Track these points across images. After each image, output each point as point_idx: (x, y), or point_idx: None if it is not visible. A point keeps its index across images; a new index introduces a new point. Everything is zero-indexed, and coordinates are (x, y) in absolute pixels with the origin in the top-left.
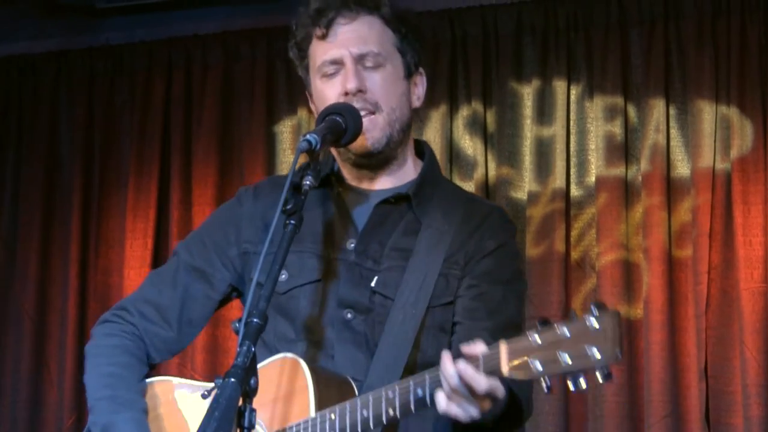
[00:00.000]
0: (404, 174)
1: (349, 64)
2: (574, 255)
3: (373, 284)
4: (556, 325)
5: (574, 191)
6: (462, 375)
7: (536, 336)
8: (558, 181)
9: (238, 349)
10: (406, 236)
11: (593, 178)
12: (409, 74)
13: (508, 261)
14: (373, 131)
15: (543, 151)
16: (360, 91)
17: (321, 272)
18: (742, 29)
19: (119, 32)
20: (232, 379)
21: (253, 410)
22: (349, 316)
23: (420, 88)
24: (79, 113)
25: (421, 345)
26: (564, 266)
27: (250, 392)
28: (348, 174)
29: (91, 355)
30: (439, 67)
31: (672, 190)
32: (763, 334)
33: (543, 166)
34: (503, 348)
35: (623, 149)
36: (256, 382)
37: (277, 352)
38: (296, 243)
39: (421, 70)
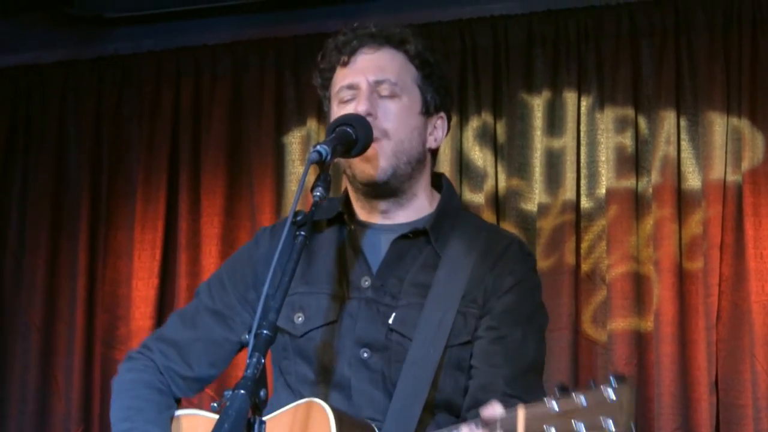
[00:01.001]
0: (419, 208)
1: (363, 89)
2: (585, 267)
3: (390, 322)
4: (574, 393)
5: (585, 203)
6: None
7: (554, 403)
8: (568, 192)
9: (248, 361)
10: (424, 271)
11: (603, 190)
12: (426, 112)
13: (528, 296)
14: (379, 159)
15: (553, 162)
16: (369, 114)
17: (337, 313)
18: (753, 40)
19: (128, 42)
20: (242, 391)
21: (262, 422)
22: (365, 355)
23: (439, 131)
24: (87, 123)
25: (438, 384)
26: (574, 278)
27: (259, 404)
28: (360, 209)
29: (114, 390)
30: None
31: (683, 202)
32: None
33: (553, 178)
34: (521, 413)
35: (634, 161)
36: (266, 394)
37: (300, 394)
38: (311, 284)
39: (443, 114)
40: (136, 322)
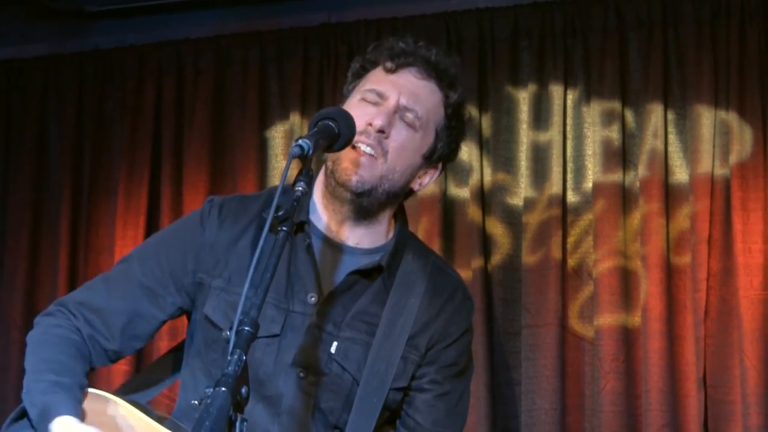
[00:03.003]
0: (378, 234)
1: (390, 105)
2: (571, 262)
3: (333, 351)
4: None
5: (571, 197)
6: None
7: None
8: (554, 187)
9: (229, 358)
10: (372, 305)
11: (590, 184)
12: (430, 157)
13: (466, 348)
14: (366, 171)
15: (539, 156)
16: (382, 131)
17: (280, 326)
18: (741, 33)
19: (109, 36)
20: (223, 389)
21: (244, 420)
22: (301, 375)
23: (428, 178)
24: (68, 118)
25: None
26: (561, 274)
27: (241, 402)
28: (324, 210)
29: (36, 341)
30: None
31: (670, 196)
32: (762, 343)
33: (539, 172)
34: None
35: (621, 155)
36: (248, 392)
37: None
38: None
39: (440, 166)
40: None
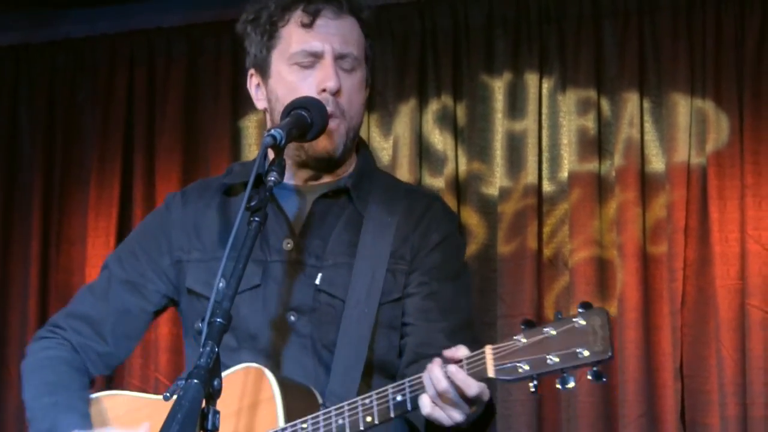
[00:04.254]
0: (342, 170)
1: (329, 60)
2: (547, 252)
3: (317, 282)
4: (540, 326)
5: (547, 187)
6: (453, 379)
7: (521, 338)
8: (530, 176)
9: (201, 350)
10: (348, 231)
11: (566, 174)
12: (367, 84)
13: (454, 254)
14: (335, 137)
15: (514, 145)
16: (337, 92)
17: (260, 277)
18: (717, 21)
19: (80, 25)
20: (195, 381)
21: (216, 412)
22: (292, 318)
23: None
24: (39, 108)
25: (374, 345)
26: (536, 264)
27: (213, 394)
28: (290, 174)
29: (29, 370)
30: (408, 60)
31: (646, 185)
32: (739, 332)
33: (514, 161)
34: (488, 351)
35: (596, 144)
36: (220, 384)
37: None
38: (231, 249)
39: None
40: None
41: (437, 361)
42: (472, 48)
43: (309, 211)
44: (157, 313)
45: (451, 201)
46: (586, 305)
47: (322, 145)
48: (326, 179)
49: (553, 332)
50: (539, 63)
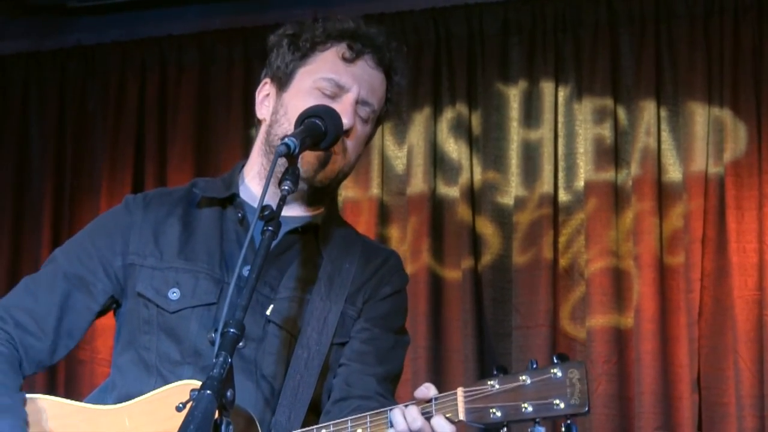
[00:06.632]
0: (314, 209)
1: (351, 100)
2: (563, 262)
3: (268, 313)
4: (515, 373)
5: (563, 196)
6: (432, 423)
7: (495, 383)
8: (546, 185)
9: (214, 360)
10: (306, 267)
11: (582, 183)
12: (368, 141)
13: (401, 310)
14: (330, 169)
15: (530, 155)
16: (349, 131)
17: (216, 295)
18: (735, 29)
19: (91, 33)
20: (208, 392)
21: (229, 423)
22: (240, 343)
23: None
24: (50, 116)
25: (316, 383)
26: (552, 274)
27: (226, 405)
28: (267, 196)
29: None
30: (422, 68)
31: (663, 195)
32: (757, 344)
33: (530, 171)
34: (460, 393)
35: (613, 153)
36: (233, 395)
37: (159, 373)
38: (190, 261)
39: None
40: (99, 319)
41: (398, 406)
42: (487, 56)
43: (277, 243)
44: (100, 314)
45: (465, 211)
46: (562, 357)
47: (308, 161)
48: (298, 212)
49: (528, 381)
50: (555, 71)
